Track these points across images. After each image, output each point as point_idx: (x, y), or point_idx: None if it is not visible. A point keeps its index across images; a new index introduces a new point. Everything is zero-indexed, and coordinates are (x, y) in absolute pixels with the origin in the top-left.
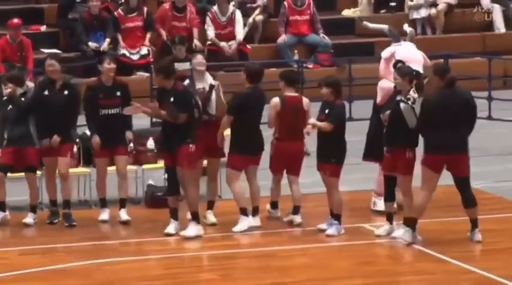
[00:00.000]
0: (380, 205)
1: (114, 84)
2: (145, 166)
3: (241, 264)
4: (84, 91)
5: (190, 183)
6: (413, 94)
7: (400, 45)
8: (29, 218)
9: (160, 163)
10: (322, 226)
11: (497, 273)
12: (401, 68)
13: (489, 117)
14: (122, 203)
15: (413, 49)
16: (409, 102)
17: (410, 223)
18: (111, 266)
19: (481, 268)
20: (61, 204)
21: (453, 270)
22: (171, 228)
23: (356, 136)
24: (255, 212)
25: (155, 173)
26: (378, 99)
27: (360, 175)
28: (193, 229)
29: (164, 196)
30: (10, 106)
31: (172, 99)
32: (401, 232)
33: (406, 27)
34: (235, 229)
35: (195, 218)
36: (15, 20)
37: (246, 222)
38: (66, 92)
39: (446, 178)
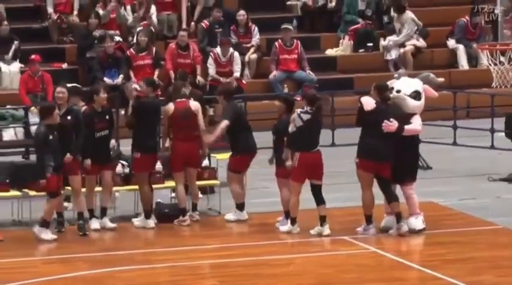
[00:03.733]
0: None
1: (103, 109)
2: (154, 186)
3: (238, 272)
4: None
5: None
6: (296, 114)
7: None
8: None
9: (167, 184)
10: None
11: (462, 280)
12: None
13: (454, 143)
14: (103, 211)
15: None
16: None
17: (294, 221)
18: (122, 274)
19: (448, 275)
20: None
21: (423, 277)
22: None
23: (338, 159)
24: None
25: (163, 192)
26: None
27: (345, 194)
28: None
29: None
30: None
31: None
32: (285, 228)
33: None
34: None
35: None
36: (33, 56)
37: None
38: (69, 117)
39: (421, 196)
